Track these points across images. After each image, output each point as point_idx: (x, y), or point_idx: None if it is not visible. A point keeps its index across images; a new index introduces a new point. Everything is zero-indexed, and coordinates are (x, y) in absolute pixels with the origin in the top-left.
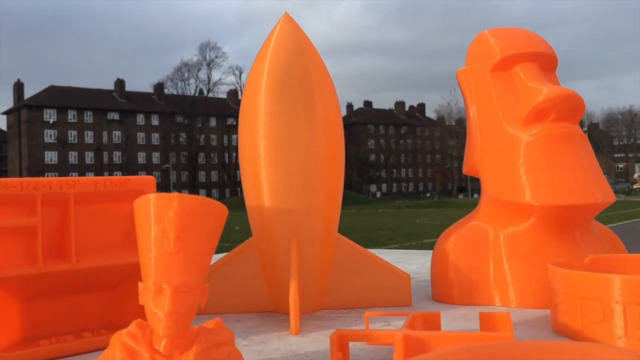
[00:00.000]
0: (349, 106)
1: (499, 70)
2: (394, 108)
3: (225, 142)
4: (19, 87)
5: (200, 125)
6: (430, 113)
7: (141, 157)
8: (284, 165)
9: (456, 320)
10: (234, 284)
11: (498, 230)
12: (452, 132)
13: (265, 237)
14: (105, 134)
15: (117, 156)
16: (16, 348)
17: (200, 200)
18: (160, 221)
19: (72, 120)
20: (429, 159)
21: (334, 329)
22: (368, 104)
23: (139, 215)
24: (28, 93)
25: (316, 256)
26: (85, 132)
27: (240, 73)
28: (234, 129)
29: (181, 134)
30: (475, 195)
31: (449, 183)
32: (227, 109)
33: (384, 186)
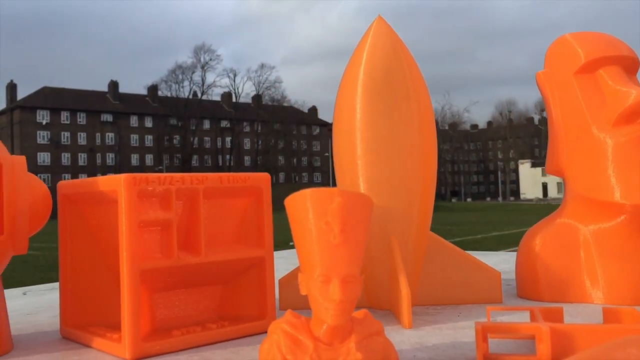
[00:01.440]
0: None
1: (584, 73)
2: None
3: (219, 144)
4: (12, 88)
5: (194, 128)
6: None
7: (134, 159)
8: (381, 165)
9: None
10: None
11: (587, 227)
12: (446, 136)
13: None
14: (98, 135)
15: (110, 158)
16: (153, 338)
17: (355, 194)
18: (324, 214)
19: (65, 122)
20: None
21: (441, 324)
22: None
23: (296, 210)
24: (21, 94)
25: (411, 253)
26: (78, 133)
27: (234, 75)
28: (227, 131)
29: (175, 136)
30: (469, 199)
31: (442, 187)
32: (221, 112)
33: None
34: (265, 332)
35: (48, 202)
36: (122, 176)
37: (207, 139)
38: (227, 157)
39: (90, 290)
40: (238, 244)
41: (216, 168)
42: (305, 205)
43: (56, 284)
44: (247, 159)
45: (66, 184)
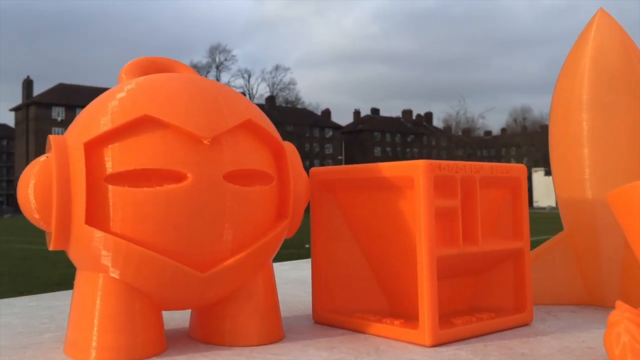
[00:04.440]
0: (356, 113)
1: None
2: (401, 116)
3: None
4: (28, 84)
5: None
6: (437, 122)
7: None
8: (608, 159)
9: None
10: (547, 275)
11: None
12: (459, 142)
13: (585, 230)
14: None
15: None
16: (442, 327)
17: None
18: None
19: None
20: None
21: None
22: (375, 111)
23: (632, 203)
24: (37, 90)
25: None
26: None
27: (249, 76)
28: None
29: None
30: None
31: None
32: None
33: None
34: (524, 325)
35: (309, 189)
36: (421, 162)
37: None
38: None
39: (343, 276)
40: (501, 235)
41: None
42: None
43: None
44: None
45: (321, 171)
